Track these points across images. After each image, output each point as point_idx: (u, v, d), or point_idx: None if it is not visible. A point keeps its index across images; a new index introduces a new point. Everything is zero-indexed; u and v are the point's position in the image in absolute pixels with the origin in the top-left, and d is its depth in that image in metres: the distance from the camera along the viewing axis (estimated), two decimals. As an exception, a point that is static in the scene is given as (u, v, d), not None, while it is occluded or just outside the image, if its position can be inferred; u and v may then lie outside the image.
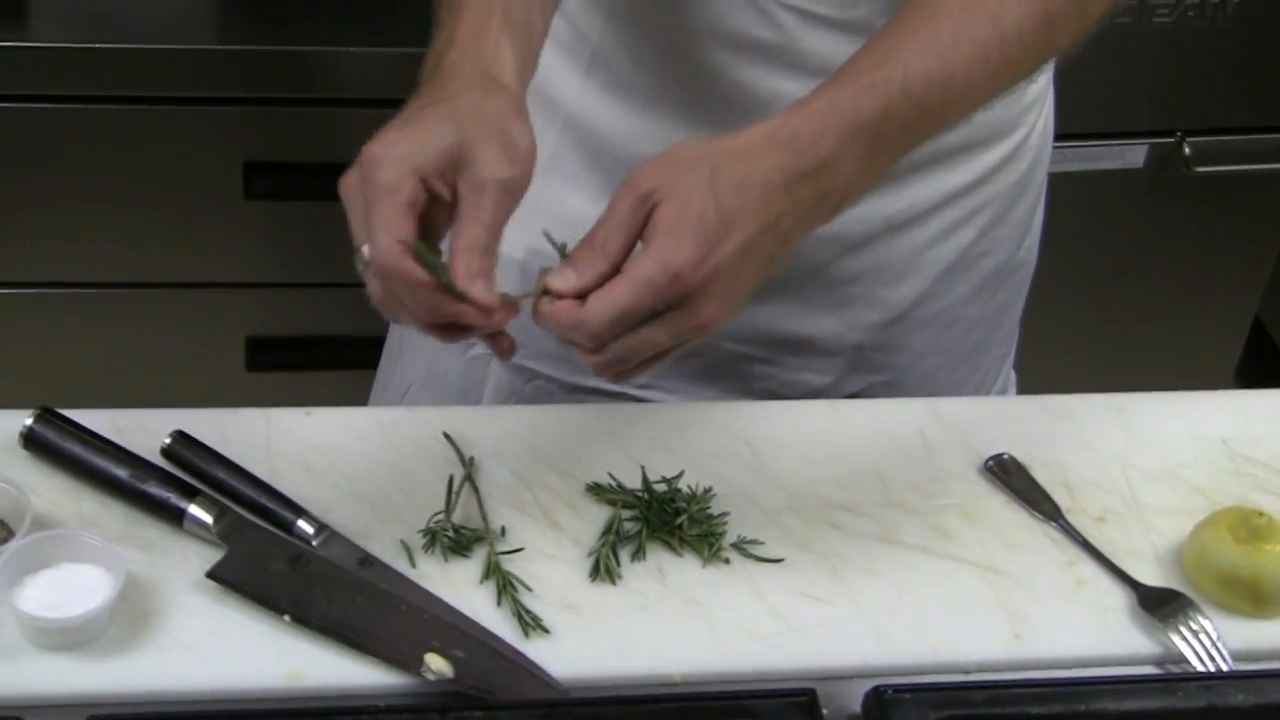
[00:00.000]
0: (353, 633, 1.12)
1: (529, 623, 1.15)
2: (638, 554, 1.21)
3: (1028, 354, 2.50)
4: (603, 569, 1.20)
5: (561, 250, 1.07)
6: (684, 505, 1.24)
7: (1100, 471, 1.32)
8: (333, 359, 2.25)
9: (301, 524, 1.19)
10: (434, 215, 1.05)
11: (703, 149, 1.05)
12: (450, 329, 1.05)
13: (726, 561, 1.22)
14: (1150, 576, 1.23)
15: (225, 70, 2.03)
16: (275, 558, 1.16)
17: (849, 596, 1.20)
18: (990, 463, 1.31)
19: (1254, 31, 2.26)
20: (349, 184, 1.05)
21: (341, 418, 1.32)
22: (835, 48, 1.24)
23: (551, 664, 1.13)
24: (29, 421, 1.22)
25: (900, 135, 1.09)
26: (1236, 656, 1.17)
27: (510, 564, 1.19)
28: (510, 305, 1.05)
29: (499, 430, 1.29)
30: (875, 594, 1.20)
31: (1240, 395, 1.48)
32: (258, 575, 1.15)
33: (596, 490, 1.26)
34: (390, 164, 1.03)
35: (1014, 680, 1.14)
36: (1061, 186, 2.35)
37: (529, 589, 1.18)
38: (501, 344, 1.08)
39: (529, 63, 1.13)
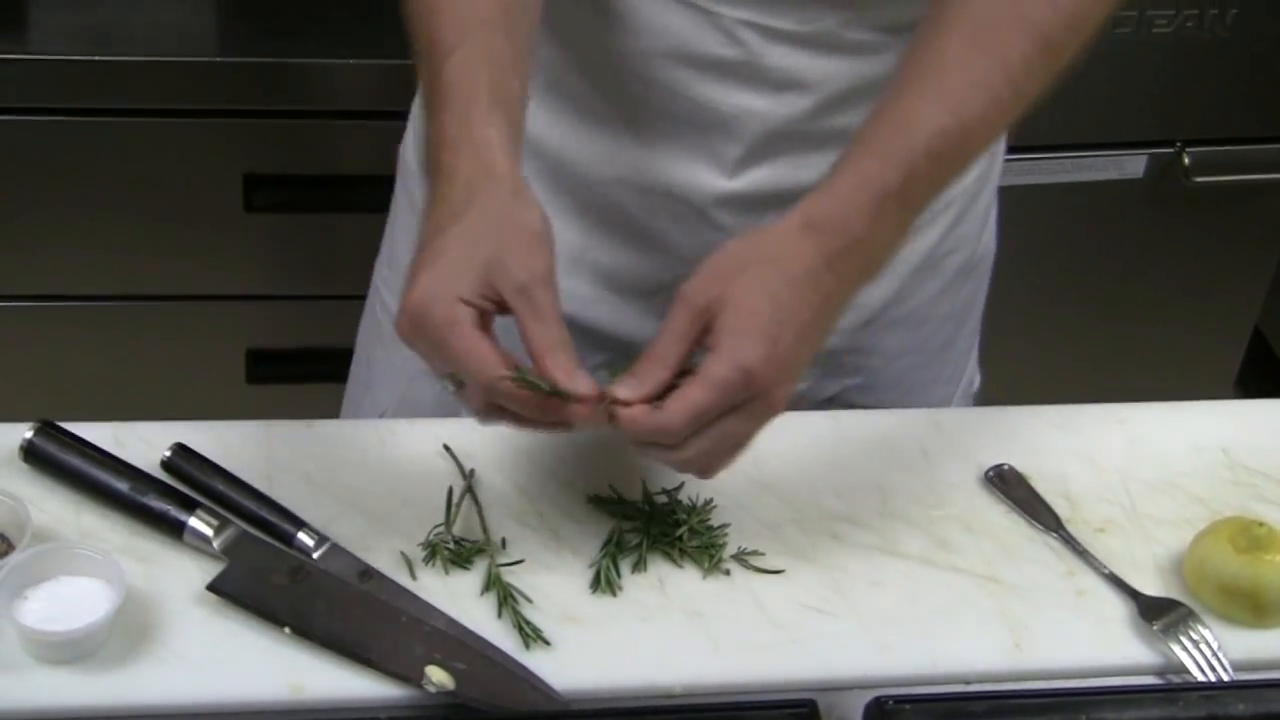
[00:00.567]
0: (353, 645, 1.12)
1: (530, 634, 1.15)
2: (638, 565, 1.21)
3: (1027, 363, 2.51)
4: (603, 580, 1.20)
5: (620, 369, 1.12)
6: (684, 517, 1.24)
7: (1100, 482, 1.32)
8: (333, 371, 2.23)
9: (302, 536, 1.19)
10: (487, 324, 1.10)
11: (745, 253, 1.11)
12: (558, 424, 1.11)
13: (727, 573, 1.22)
14: (1151, 586, 1.23)
15: (225, 82, 2.04)
16: (276, 570, 1.16)
17: (850, 607, 1.20)
18: (990, 473, 1.31)
19: (1253, 42, 2.26)
20: (404, 330, 1.10)
21: (342, 430, 1.32)
22: (798, 62, 1.26)
23: (552, 675, 1.13)
24: (29, 434, 1.22)
25: (926, 191, 1.14)
26: (1237, 666, 1.17)
27: (511, 576, 1.19)
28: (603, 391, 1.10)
29: (499, 443, 1.29)
30: (876, 605, 1.20)
31: (1240, 405, 1.48)
32: (258, 588, 1.15)
33: (597, 502, 1.26)
34: (437, 303, 1.07)
35: (1015, 690, 1.14)
36: (1062, 196, 2.36)
37: (530, 601, 1.18)
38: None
39: (518, 132, 1.16)
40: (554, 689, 1.12)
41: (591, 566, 1.21)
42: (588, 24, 1.29)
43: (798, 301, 1.09)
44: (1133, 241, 2.44)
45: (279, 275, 2.22)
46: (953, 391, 1.56)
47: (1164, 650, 1.18)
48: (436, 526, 1.22)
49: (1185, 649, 1.18)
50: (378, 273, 1.55)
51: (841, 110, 1.28)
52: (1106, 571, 1.24)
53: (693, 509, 1.25)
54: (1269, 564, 1.19)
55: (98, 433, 1.24)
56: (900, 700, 1.09)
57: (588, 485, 1.27)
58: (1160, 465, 1.34)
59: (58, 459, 1.21)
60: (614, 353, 1.35)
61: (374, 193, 1.61)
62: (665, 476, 1.27)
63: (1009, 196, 2.31)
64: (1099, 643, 1.19)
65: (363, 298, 1.58)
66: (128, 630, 1.12)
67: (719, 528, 1.24)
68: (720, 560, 1.22)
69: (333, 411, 1.59)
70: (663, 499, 1.26)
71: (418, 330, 1.08)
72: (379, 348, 1.52)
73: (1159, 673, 1.18)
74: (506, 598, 1.17)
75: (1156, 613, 1.20)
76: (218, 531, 1.17)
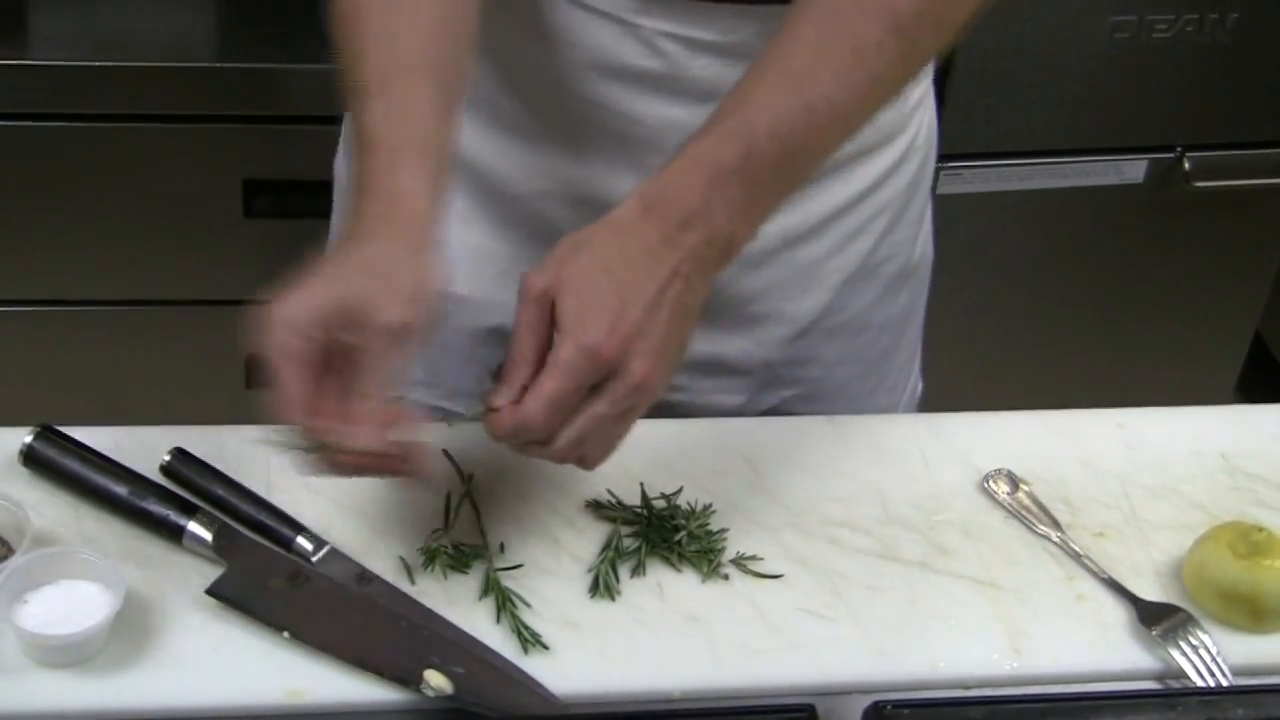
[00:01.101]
0: (352, 649, 1.12)
1: (528, 639, 1.15)
2: (637, 570, 1.21)
3: (1028, 368, 2.51)
4: (602, 585, 1.20)
5: (494, 375, 1.11)
6: (683, 522, 1.24)
7: (1100, 487, 1.32)
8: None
9: (301, 541, 1.19)
10: (349, 362, 1.08)
11: (579, 236, 1.10)
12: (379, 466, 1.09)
13: (726, 578, 1.22)
14: (1150, 592, 1.23)
15: (225, 88, 2.04)
16: (274, 574, 1.16)
17: (848, 612, 1.20)
18: (989, 479, 1.31)
19: (1253, 47, 2.26)
20: (253, 341, 1.09)
21: (341, 434, 1.32)
22: (720, 73, 1.25)
23: (551, 680, 1.13)
24: (29, 439, 1.22)
25: (774, 173, 1.13)
26: (1236, 671, 1.17)
27: (509, 580, 1.19)
28: (395, 442, 1.08)
29: (498, 447, 1.28)
30: (875, 610, 1.20)
31: (1240, 410, 1.48)
32: (257, 592, 1.15)
33: (596, 507, 1.26)
34: (278, 326, 1.07)
35: (1014, 696, 1.14)
36: (1062, 201, 2.36)
37: (528, 605, 1.18)
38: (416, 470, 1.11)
39: (441, 182, 1.14)
40: (552, 693, 1.12)
41: (590, 571, 1.21)
42: (514, 40, 1.29)
43: (638, 276, 1.08)
44: (1133, 246, 2.44)
45: (279, 281, 2.22)
46: (897, 400, 1.55)
47: (1163, 655, 1.18)
48: (435, 531, 1.22)
49: (1184, 654, 1.18)
50: None
51: None
52: (1105, 576, 1.24)
53: (691, 514, 1.25)
54: (1268, 569, 1.19)
55: (97, 437, 1.24)
56: (899, 705, 1.09)
57: (586, 490, 1.26)
58: (1160, 470, 1.34)
59: (57, 463, 1.21)
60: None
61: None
62: (664, 482, 1.27)
63: (1009, 201, 2.33)
64: (1098, 648, 1.19)
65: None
66: (127, 634, 1.12)
67: (717, 532, 1.24)
68: (719, 565, 1.22)
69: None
70: (661, 504, 1.26)
71: (262, 344, 1.07)
72: None
73: (1158, 678, 1.18)
74: (505, 602, 1.17)
75: (1156, 618, 1.20)
76: (217, 536, 1.17)
